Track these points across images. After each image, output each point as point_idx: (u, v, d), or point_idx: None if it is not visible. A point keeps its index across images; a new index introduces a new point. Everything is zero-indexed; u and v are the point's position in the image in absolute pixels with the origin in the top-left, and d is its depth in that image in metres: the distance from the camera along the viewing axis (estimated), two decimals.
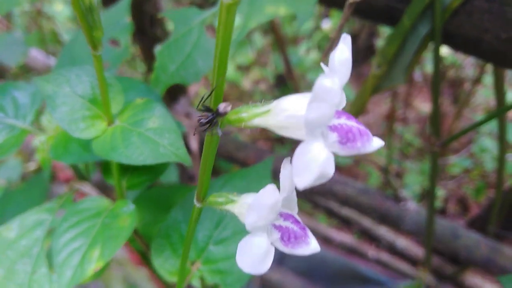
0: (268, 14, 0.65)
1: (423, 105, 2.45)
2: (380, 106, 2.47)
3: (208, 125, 0.33)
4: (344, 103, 0.31)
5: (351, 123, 0.30)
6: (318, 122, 0.27)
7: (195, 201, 0.43)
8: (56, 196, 1.75)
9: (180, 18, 0.70)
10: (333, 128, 0.29)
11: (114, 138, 0.52)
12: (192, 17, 0.68)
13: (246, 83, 2.84)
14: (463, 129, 0.81)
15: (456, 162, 2.06)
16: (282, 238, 0.36)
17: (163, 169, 0.66)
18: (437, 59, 0.79)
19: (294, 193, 0.38)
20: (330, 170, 0.28)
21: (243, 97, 2.79)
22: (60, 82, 0.54)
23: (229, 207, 0.40)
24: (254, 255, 0.35)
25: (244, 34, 0.62)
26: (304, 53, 2.56)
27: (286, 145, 2.46)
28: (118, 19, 0.83)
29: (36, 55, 1.53)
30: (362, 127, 0.30)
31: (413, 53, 0.79)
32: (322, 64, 0.32)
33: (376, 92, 0.85)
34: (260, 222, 0.34)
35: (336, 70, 0.26)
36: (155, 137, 0.50)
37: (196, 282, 0.67)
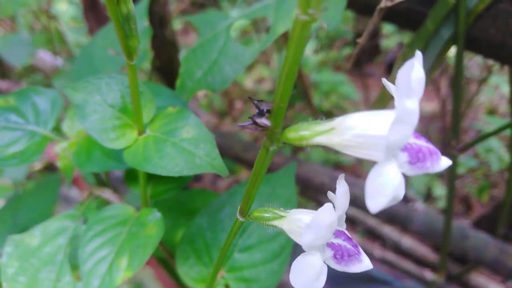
0: None
1: (427, 105, 2.45)
2: (384, 104, 2.47)
3: (255, 119, 0.32)
4: None
5: (421, 142, 0.29)
6: (398, 144, 0.26)
7: (238, 215, 0.42)
8: (63, 197, 1.72)
9: (205, 22, 0.68)
10: (403, 148, 0.29)
11: (147, 149, 0.51)
12: (217, 21, 0.67)
13: (248, 82, 2.83)
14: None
15: (461, 162, 2.06)
16: (335, 256, 0.36)
17: (189, 177, 0.65)
18: (460, 63, 0.79)
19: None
20: (402, 193, 0.28)
21: (245, 96, 2.77)
22: (90, 90, 0.53)
23: (276, 223, 0.39)
24: (309, 274, 0.35)
25: (271, 40, 0.61)
26: (308, 53, 2.55)
27: (289, 145, 2.44)
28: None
29: (43, 56, 1.51)
30: (431, 146, 0.29)
31: (435, 57, 0.78)
32: (384, 80, 0.31)
33: None
34: (317, 242, 0.34)
35: (413, 90, 0.26)
36: (190, 147, 0.49)
37: None
